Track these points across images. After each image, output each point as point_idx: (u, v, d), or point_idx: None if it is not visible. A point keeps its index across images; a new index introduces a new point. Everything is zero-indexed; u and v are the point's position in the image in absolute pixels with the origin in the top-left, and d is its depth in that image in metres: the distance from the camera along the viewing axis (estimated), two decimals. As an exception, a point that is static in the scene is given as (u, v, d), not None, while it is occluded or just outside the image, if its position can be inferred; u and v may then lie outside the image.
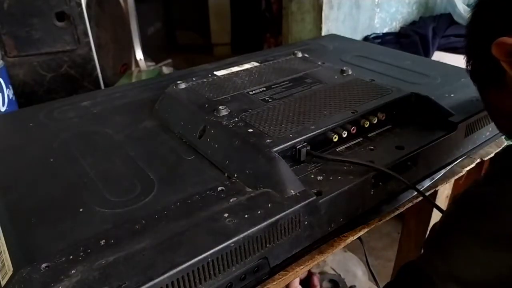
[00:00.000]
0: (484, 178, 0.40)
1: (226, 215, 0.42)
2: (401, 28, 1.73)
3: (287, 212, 0.43)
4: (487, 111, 0.51)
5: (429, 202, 0.55)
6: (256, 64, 0.75)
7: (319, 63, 0.74)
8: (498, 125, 0.51)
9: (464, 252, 0.37)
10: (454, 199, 0.42)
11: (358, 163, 0.50)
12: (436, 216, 0.83)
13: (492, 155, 0.66)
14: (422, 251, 0.43)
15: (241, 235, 0.40)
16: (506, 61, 0.39)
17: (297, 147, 0.51)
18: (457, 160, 0.64)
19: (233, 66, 0.74)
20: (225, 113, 0.56)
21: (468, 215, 0.38)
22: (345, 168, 0.50)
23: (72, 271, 0.36)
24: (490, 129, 0.66)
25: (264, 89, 0.64)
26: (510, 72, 0.39)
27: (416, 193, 0.55)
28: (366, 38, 1.62)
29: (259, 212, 0.42)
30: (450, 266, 0.37)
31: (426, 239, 0.44)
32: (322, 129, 0.53)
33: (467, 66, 0.49)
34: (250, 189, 0.46)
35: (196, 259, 0.37)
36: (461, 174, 0.64)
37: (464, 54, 0.49)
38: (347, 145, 0.55)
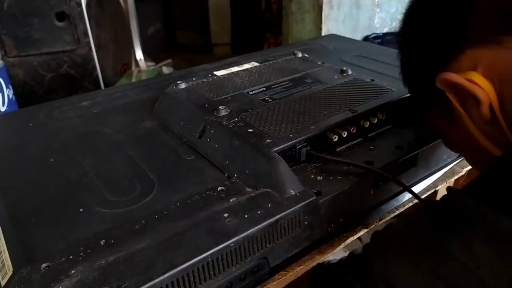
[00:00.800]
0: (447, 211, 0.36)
1: (226, 215, 0.42)
2: (401, 28, 1.73)
3: (287, 212, 0.43)
4: (432, 128, 0.50)
5: (425, 204, 0.55)
6: (256, 64, 0.75)
7: (319, 63, 0.74)
8: (444, 142, 0.51)
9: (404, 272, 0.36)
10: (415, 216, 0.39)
11: (356, 165, 0.50)
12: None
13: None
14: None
15: (241, 235, 0.40)
16: (451, 92, 0.39)
17: (297, 147, 0.51)
18: (457, 160, 0.64)
19: (233, 66, 0.74)
20: (225, 113, 0.56)
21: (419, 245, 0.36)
22: (345, 168, 0.50)
23: (72, 271, 0.36)
24: (490, 129, 0.66)
25: (264, 89, 0.64)
26: (455, 104, 0.39)
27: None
28: (366, 38, 1.62)
29: (259, 212, 0.42)
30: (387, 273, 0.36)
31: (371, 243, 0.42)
32: (322, 129, 0.53)
33: (404, 85, 0.49)
34: (250, 189, 0.46)
35: (196, 259, 0.37)
36: (461, 174, 0.64)
37: (401, 75, 0.49)
38: (347, 145, 0.55)
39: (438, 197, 0.79)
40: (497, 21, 0.36)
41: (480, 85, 0.36)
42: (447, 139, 0.50)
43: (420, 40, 0.43)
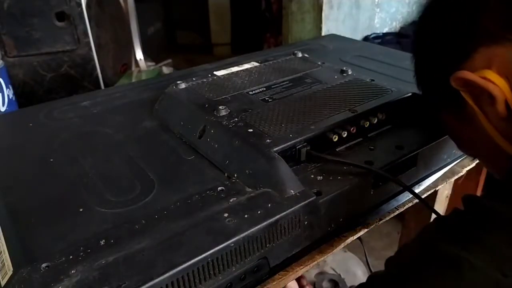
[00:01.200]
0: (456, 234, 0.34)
1: (226, 215, 0.42)
2: (401, 28, 1.73)
3: (287, 212, 0.43)
4: (445, 131, 0.50)
5: (425, 205, 0.55)
6: (256, 64, 0.75)
7: (319, 63, 0.74)
8: (458, 146, 0.51)
9: None
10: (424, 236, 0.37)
11: (356, 165, 0.50)
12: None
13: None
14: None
15: (241, 235, 0.40)
16: (466, 91, 0.39)
17: (297, 147, 0.51)
18: (457, 160, 0.64)
19: (233, 66, 0.74)
20: (225, 113, 0.56)
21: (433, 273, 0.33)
22: (345, 168, 0.50)
23: (72, 271, 0.36)
24: (490, 129, 0.66)
25: (264, 89, 0.64)
26: (470, 103, 0.39)
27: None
28: (366, 38, 1.62)
29: (259, 212, 0.42)
30: None
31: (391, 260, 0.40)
32: (322, 129, 0.53)
33: (418, 88, 0.49)
34: (250, 189, 0.46)
35: (196, 259, 0.37)
36: (461, 174, 0.64)
37: (415, 78, 0.49)
38: (347, 145, 0.55)
39: (438, 196, 0.79)
40: (511, 19, 0.36)
41: (495, 82, 0.36)
42: (462, 141, 0.49)
43: (434, 41, 0.43)
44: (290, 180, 0.46)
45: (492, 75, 0.37)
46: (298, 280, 0.72)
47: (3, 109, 1.02)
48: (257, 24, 2.44)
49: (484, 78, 0.37)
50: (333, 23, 1.49)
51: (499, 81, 0.36)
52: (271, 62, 0.75)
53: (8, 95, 1.04)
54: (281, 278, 0.45)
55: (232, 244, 0.39)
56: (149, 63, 1.79)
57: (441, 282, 0.32)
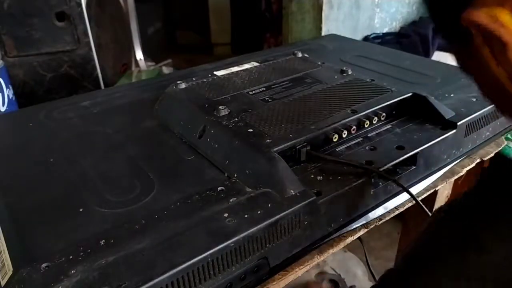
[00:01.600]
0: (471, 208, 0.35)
1: (226, 215, 0.42)
2: (401, 28, 1.73)
3: (287, 212, 0.43)
4: (462, 69, 0.47)
5: (420, 207, 0.55)
6: (256, 64, 0.75)
7: (319, 63, 0.74)
8: (473, 81, 0.47)
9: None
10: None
11: (356, 165, 0.50)
12: (436, 216, 0.83)
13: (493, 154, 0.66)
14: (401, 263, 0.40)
15: (241, 235, 0.40)
16: (477, 31, 0.35)
17: (297, 147, 0.51)
18: (457, 160, 0.64)
19: (233, 66, 0.74)
20: (225, 113, 0.56)
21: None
22: (345, 168, 0.50)
23: (72, 271, 0.36)
24: (490, 129, 0.66)
25: (264, 89, 0.64)
26: (479, 44, 0.35)
27: (415, 193, 0.55)
28: (366, 38, 1.62)
29: (259, 212, 0.42)
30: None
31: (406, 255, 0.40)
32: (322, 129, 0.53)
33: (434, 23, 0.45)
34: (250, 189, 0.46)
35: (196, 259, 0.37)
36: (461, 174, 0.64)
37: (430, 15, 0.45)
38: (347, 145, 0.55)
39: (438, 196, 0.79)
40: None
41: (507, 24, 0.33)
42: (476, 81, 0.44)
43: None
44: (290, 180, 0.46)
45: (504, 16, 0.33)
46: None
47: (3, 109, 1.02)
48: (257, 24, 2.44)
49: (496, 19, 0.33)
50: (333, 23, 1.49)
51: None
52: (271, 62, 0.75)
53: (8, 95, 1.04)
54: (281, 278, 0.45)
55: (232, 244, 0.39)
56: (149, 63, 1.79)
57: (457, 260, 0.32)
